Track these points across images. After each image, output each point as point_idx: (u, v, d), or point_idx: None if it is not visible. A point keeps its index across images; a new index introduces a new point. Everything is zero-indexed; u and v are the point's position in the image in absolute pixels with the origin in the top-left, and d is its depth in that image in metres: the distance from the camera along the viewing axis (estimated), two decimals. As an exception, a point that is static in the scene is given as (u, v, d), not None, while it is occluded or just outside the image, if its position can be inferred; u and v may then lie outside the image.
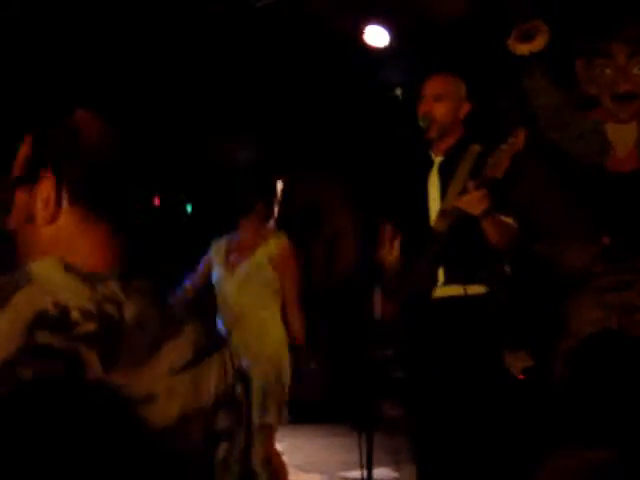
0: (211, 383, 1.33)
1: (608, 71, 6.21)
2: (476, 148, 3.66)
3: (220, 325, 4.11)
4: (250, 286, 4.12)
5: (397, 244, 3.83)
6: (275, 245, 4.15)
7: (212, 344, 1.37)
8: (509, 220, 3.54)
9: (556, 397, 5.46)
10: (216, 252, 4.26)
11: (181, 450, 1.28)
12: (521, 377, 5.46)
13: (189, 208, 7.15)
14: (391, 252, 3.82)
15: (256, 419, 3.83)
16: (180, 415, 1.29)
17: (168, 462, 1.27)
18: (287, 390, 4.05)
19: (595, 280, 6.46)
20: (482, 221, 3.39)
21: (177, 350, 1.32)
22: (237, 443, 1.34)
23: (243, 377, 1.37)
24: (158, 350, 1.30)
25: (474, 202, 3.32)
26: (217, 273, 4.18)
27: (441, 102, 3.71)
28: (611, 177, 6.34)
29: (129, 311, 1.31)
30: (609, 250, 5.80)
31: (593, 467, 4.86)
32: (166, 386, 1.28)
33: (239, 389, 1.36)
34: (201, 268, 4.29)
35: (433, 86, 3.76)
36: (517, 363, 5.52)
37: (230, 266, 4.16)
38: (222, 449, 1.34)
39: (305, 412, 5.33)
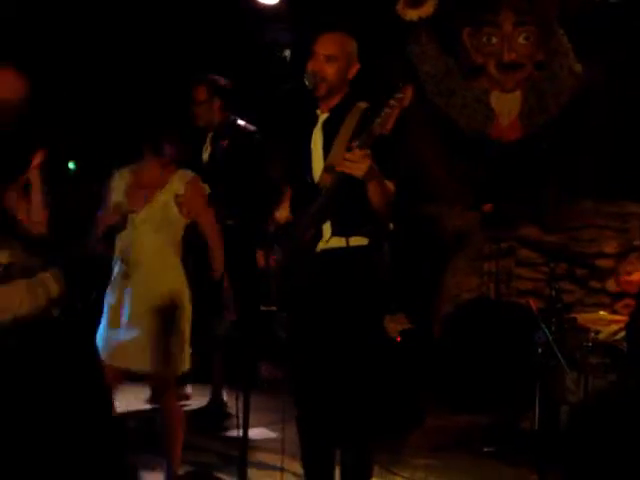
0: (15, 301, 1.50)
1: (494, 40, 6.30)
2: (362, 106, 3.61)
3: (117, 263, 3.99)
4: (150, 229, 3.98)
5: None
6: (179, 182, 4.01)
7: (27, 269, 1.54)
8: (389, 184, 3.52)
9: (432, 360, 5.55)
10: (117, 184, 4.07)
11: None
12: (398, 339, 5.51)
13: (72, 165, 6.86)
14: (283, 208, 3.78)
15: (148, 368, 3.76)
16: None
17: None
18: (187, 337, 3.96)
19: (473, 247, 6.61)
20: (365, 182, 3.36)
21: None
22: (61, 358, 1.56)
23: (62, 302, 1.58)
24: None
25: (356, 162, 3.28)
26: None
27: (332, 62, 3.62)
28: (494, 145, 6.47)
29: None
30: (488, 217, 5.91)
31: (463, 430, 4.98)
32: None
33: (56, 312, 1.57)
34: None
35: (325, 45, 3.65)
36: (395, 325, 5.57)
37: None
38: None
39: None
